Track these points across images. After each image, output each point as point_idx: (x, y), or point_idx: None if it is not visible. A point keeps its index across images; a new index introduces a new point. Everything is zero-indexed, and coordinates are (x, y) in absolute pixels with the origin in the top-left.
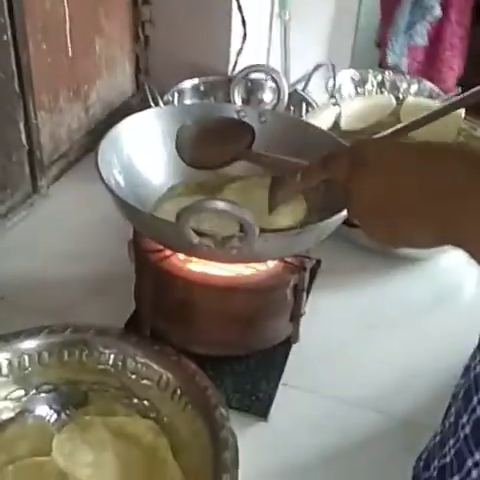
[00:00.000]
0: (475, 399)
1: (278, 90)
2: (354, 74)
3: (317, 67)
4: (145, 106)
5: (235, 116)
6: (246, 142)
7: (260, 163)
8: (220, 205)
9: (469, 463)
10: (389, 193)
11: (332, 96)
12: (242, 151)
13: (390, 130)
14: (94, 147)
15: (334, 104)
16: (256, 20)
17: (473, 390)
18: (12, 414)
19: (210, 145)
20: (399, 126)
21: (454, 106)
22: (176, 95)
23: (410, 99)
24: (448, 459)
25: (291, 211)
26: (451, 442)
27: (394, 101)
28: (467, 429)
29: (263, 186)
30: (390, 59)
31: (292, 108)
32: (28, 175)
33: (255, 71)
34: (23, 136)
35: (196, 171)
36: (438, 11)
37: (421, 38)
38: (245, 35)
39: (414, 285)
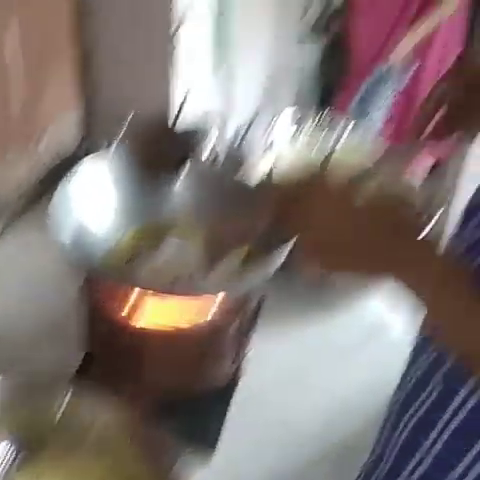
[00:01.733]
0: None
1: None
2: (294, 112)
3: (256, 115)
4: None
5: None
6: None
7: None
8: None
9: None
10: (329, 236)
11: (267, 148)
12: None
13: None
14: (40, 199)
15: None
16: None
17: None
18: None
19: None
20: None
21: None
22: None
23: (336, 155)
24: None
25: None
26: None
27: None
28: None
29: None
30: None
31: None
32: None
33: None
34: None
35: (146, 216)
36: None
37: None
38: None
39: (348, 325)
